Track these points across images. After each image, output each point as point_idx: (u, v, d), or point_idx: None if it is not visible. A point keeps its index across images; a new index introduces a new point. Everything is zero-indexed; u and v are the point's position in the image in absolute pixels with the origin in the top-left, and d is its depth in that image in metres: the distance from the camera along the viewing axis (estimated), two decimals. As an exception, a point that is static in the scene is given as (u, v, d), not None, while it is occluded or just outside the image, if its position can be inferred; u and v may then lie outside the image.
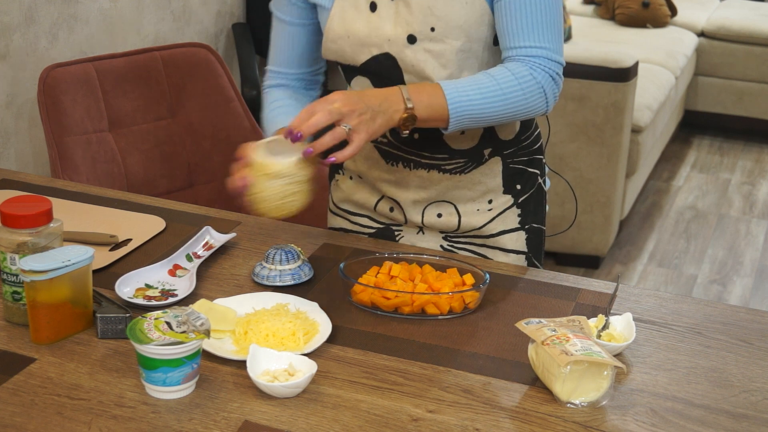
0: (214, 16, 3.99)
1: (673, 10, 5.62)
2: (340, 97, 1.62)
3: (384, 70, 1.77)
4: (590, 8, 5.81)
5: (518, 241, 1.92)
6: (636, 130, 4.16)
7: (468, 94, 1.68)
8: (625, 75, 3.79)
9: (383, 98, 1.65)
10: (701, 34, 5.64)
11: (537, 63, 1.72)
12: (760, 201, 4.86)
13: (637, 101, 4.16)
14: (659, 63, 4.90)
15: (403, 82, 1.76)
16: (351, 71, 1.84)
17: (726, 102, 5.64)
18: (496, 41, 1.76)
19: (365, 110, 1.62)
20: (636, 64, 3.87)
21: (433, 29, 1.72)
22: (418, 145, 1.83)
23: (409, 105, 1.66)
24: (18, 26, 2.92)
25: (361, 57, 1.78)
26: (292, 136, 1.61)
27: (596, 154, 3.88)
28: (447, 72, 1.74)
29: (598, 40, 5.12)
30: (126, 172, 2.76)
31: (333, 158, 1.63)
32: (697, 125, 5.76)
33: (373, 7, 1.76)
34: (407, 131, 1.68)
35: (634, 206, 4.63)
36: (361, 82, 1.84)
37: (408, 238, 1.94)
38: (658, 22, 5.55)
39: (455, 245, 1.92)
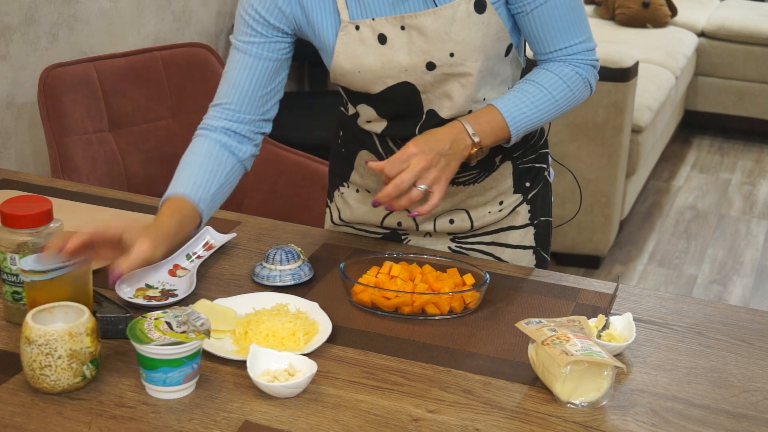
0: (214, 16, 3.99)
1: (673, 10, 5.62)
2: (415, 152, 1.62)
3: (400, 97, 1.73)
4: (590, 8, 5.81)
5: (527, 236, 1.92)
6: (636, 130, 4.15)
7: (523, 110, 1.70)
8: (625, 75, 3.79)
9: (451, 140, 1.65)
10: (701, 34, 5.64)
11: (578, 59, 1.74)
12: (761, 201, 4.86)
13: (637, 101, 4.16)
14: (659, 63, 4.90)
15: (421, 103, 1.74)
16: (359, 98, 1.78)
17: (726, 102, 5.64)
18: (507, 52, 1.74)
19: (439, 160, 1.63)
20: (636, 64, 3.87)
21: (452, 54, 1.68)
22: None
23: (476, 139, 1.67)
24: (18, 26, 2.92)
25: (375, 88, 1.72)
26: (374, 204, 1.65)
27: (596, 154, 3.88)
28: (467, 92, 1.71)
29: (599, 40, 5.04)
30: (126, 172, 2.76)
31: (416, 213, 1.65)
32: (697, 125, 5.76)
33: (382, 40, 1.68)
34: (474, 162, 1.71)
35: (634, 206, 4.63)
36: (366, 111, 1.79)
37: (415, 241, 1.92)
38: (658, 22, 5.55)
39: (463, 246, 1.91)
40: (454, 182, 1.83)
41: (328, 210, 2.01)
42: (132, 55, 2.87)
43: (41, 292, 1.48)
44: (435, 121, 1.75)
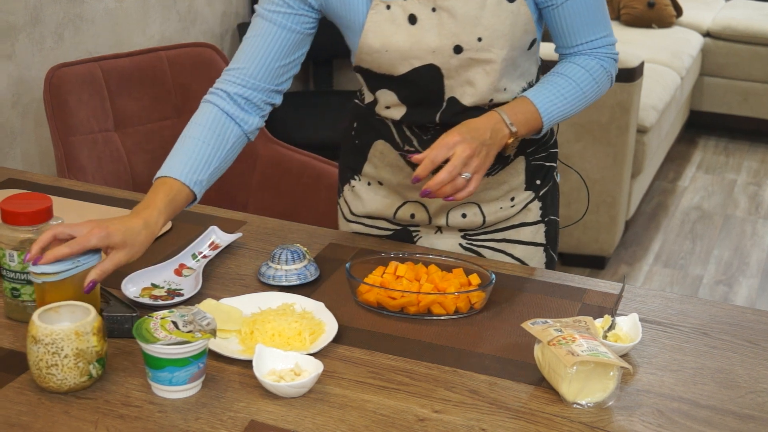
0: (220, 16, 3.99)
1: (679, 11, 5.61)
2: (459, 140, 1.64)
3: (424, 81, 1.73)
4: (596, 8, 5.80)
5: (538, 233, 1.93)
6: (641, 131, 4.15)
7: (554, 101, 1.74)
8: (630, 75, 3.78)
9: (491, 129, 1.68)
10: (707, 34, 5.63)
11: (602, 53, 1.80)
12: (766, 201, 4.86)
13: (643, 101, 4.16)
14: (665, 63, 4.90)
15: (443, 89, 1.74)
16: (381, 81, 1.77)
17: (731, 102, 5.64)
18: (531, 46, 1.76)
19: (481, 149, 1.66)
20: (641, 65, 3.86)
21: (480, 39, 1.70)
22: None
23: (513, 129, 1.70)
24: (24, 26, 2.93)
25: (401, 69, 1.73)
26: (423, 193, 1.66)
27: (602, 154, 3.88)
28: (490, 79, 1.73)
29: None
30: (132, 172, 2.77)
31: (452, 198, 1.66)
32: (702, 125, 5.75)
33: (412, 20, 1.70)
34: (510, 152, 1.76)
35: (639, 206, 4.62)
36: (386, 96, 1.79)
37: (426, 238, 1.92)
38: (664, 23, 5.54)
39: (474, 243, 1.92)
40: None
41: (339, 208, 2.01)
42: (137, 54, 2.87)
43: (50, 293, 1.48)
44: (456, 108, 1.76)
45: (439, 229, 1.91)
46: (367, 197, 1.93)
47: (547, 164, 1.93)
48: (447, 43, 1.70)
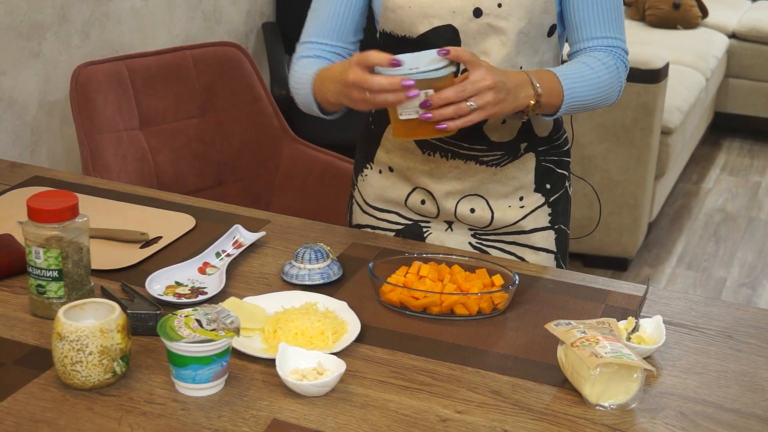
0: (245, 15, 4.00)
1: (704, 12, 5.58)
2: (485, 75, 1.61)
3: (441, 43, 1.74)
4: (620, 9, 5.78)
5: (548, 239, 1.92)
6: (666, 132, 4.13)
7: (577, 82, 1.74)
8: (655, 76, 3.77)
9: (518, 82, 1.67)
10: (732, 35, 5.60)
11: (617, 53, 1.80)
12: (791, 204, 4.83)
13: (667, 103, 4.14)
14: (689, 64, 4.87)
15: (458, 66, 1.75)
16: (398, 47, 1.76)
17: (757, 104, 5.60)
18: (550, 32, 1.79)
19: (501, 90, 1.63)
20: (666, 66, 3.85)
21: (500, 5, 1.74)
22: (457, 135, 1.80)
23: (540, 91, 1.69)
24: (51, 25, 2.94)
25: (420, 28, 1.77)
26: (424, 104, 1.61)
27: (625, 155, 3.86)
28: (505, 50, 1.76)
29: (629, 41, 5.05)
30: (156, 170, 2.78)
31: (444, 126, 1.62)
32: (727, 127, 5.72)
33: None
34: (526, 117, 1.73)
35: (663, 208, 4.60)
36: None
37: (436, 235, 1.93)
38: (689, 24, 5.51)
39: (484, 243, 1.92)
40: (476, 160, 1.86)
41: (352, 200, 2.03)
42: (163, 53, 2.88)
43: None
44: None
45: (450, 226, 1.91)
46: (378, 185, 1.95)
47: (558, 170, 1.92)
48: (468, 4, 1.74)
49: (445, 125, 1.62)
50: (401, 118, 1.64)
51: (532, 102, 1.69)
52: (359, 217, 2.01)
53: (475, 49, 1.76)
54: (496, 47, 1.76)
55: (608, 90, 1.78)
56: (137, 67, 2.80)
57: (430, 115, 1.61)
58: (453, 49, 1.61)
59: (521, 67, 1.78)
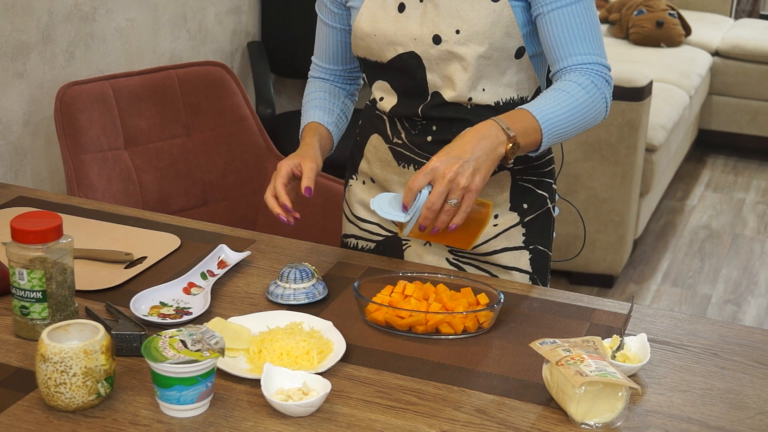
0: (230, 34, 4.01)
1: (688, 30, 5.61)
2: (437, 165, 1.63)
3: (409, 68, 1.81)
4: (604, 27, 5.82)
5: (521, 259, 1.92)
6: (650, 149, 4.14)
7: (553, 113, 1.71)
8: (639, 94, 3.78)
9: (479, 139, 1.65)
10: (715, 53, 5.63)
11: (594, 70, 1.76)
12: (775, 221, 4.85)
13: (652, 120, 4.16)
14: (673, 82, 4.90)
15: (426, 81, 1.82)
16: (375, 71, 1.88)
17: (740, 121, 5.63)
18: (518, 54, 1.79)
19: (465, 167, 1.62)
20: (650, 84, 3.86)
21: (458, 32, 1.76)
22: (431, 148, 1.84)
23: (511, 133, 1.67)
24: (35, 45, 2.94)
25: (388, 54, 1.83)
26: (421, 228, 1.67)
27: (610, 173, 3.87)
28: (467, 75, 1.78)
29: (612, 60, 5.05)
30: (141, 190, 2.77)
31: (454, 226, 1.65)
32: (711, 144, 5.75)
33: (401, 8, 1.81)
34: (512, 162, 1.71)
35: (647, 225, 4.62)
36: (381, 86, 1.89)
37: (415, 249, 1.94)
38: (673, 42, 5.55)
39: (460, 259, 1.93)
40: None
41: (342, 210, 2.07)
42: (147, 73, 2.88)
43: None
44: (438, 101, 1.82)
45: (428, 241, 1.92)
46: (361, 195, 1.99)
47: (538, 191, 1.92)
48: (427, 31, 1.78)
49: (454, 226, 1.65)
50: (405, 236, 1.73)
51: (509, 146, 1.66)
52: (346, 227, 2.05)
53: (439, 73, 1.80)
54: (458, 72, 1.78)
55: (591, 110, 1.75)
56: (122, 87, 2.80)
57: (425, 227, 1.65)
58: (405, 197, 1.65)
59: (484, 90, 1.79)
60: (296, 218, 1.78)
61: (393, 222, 1.80)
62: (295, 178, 1.80)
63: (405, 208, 1.66)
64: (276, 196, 1.77)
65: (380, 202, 1.71)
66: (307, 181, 1.77)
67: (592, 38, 1.77)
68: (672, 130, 4.46)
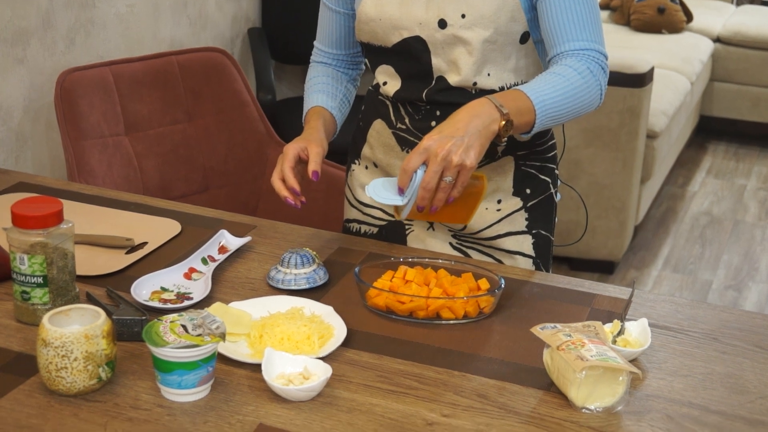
0: (230, 20, 4.00)
1: (689, 16, 5.60)
2: (430, 144, 1.62)
3: (414, 52, 1.81)
4: (605, 14, 5.80)
5: (524, 244, 1.92)
6: (651, 136, 4.14)
7: (548, 94, 1.70)
8: (640, 80, 3.78)
9: (471, 117, 1.65)
10: (717, 39, 5.62)
11: (591, 57, 1.76)
12: (776, 207, 4.84)
13: (653, 107, 4.15)
14: (675, 68, 4.89)
15: (431, 65, 1.82)
16: (379, 55, 1.88)
17: (741, 108, 5.62)
18: (523, 39, 1.79)
19: (458, 144, 1.62)
20: (651, 70, 3.85)
21: (463, 16, 1.76)
22: None
23: (504, 111, 1.66)
24: (35, 31, 2.93)
25: (392, 39, 1.83)
26: (419, 209, 1.67)
27: (611, 159, 3.87)
28: (473, 59, 1.78)
29: (614, 46, 5.08)
30: (142, 176, 2.77)
31: (451, 199, 1.65)
32: (712, 131, 5.74)
33: None
34: (505, 140, 1.69)
35: (648, 212, 4.61)
36: (385, 70, 1.89)
37: (418, 233, 1.94)
38: (674, 28, 5.53)
39: (464, 244, 1.93)
40: None
41: (345, 195, 2.07)
42: (148, 59, 2.87)
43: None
44: (443, 85, 1.82)
45: (431, 225, 1.93)
46: (363, 181, 1.99)
47: (541, 177, 1.93)
48: (432, 15, 1.78)
49: (452, 199, 1.65)
50: (403, 219, 1.72)
51: (502, 123, 1.66)
52: (348, 212, 2.05)
53: (444, 58, 1.80)
54: (463, 56, 1.78)
55: (585, 96, 1.74)
56: (123, 73, 2.79)
57: (422, 207, 1.66)
58: (400, 179, 1.65)
59: (489, 74, 1.80)
60: (303, 202, 1.77)
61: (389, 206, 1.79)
62: (301, 162, 1.79)
63: (401, 191, 1.66)
64: (283, 179, 1.77)
65: (375, 189, 1.71)
66: (314, 165, 1.76)
67: (591, 25, 1.76)
68: (673, 117, 4.46)
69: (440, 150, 1.61)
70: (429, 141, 1.63)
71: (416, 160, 1.63)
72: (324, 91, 1.96)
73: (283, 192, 1.76)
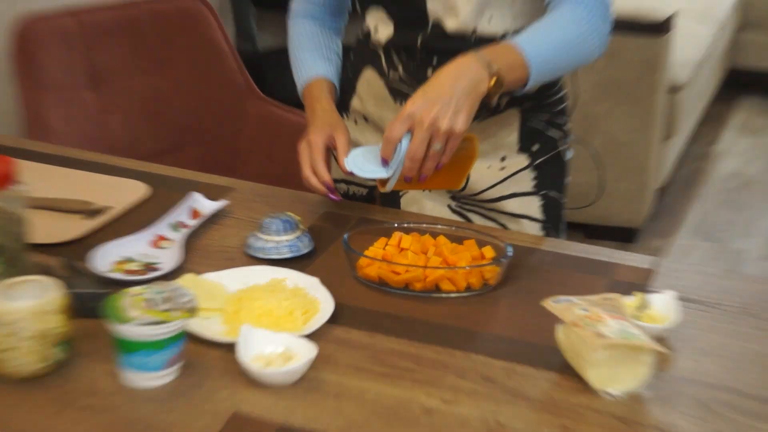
0: (208, -38, 3.96)
1: (716, -43, 5.58)
2: (413, 110, 1.63)
3: None
4: (624, -45, 5.77)
5: (531, 206, 1.92)
6: (673, 90, 4.13)
7: (542, 46, 1.71)
8: (658, 29, 3.78)
9: (456, 76, 1.65)
10: (746, -19, 5.62)
11: (590, 3, 1.74)
12: (813, 167, 4.86)
13: (675, 57, 4.14)
14: (699, 15, 4.87)
15: (425, 9, 1.79)
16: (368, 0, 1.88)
17: (774, 58, 5.64)
18: None
19: (444, 109, 1.62)
20: (671, 17, 3.85)
21: None
22: None
23: (494, 68, 1.66)
24: (-12, -29, 2.89)
25: None
26: (406, 179, 1.69)
27: (629, 115, 3.88)
28: (471, 5, 1.76)
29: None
30: (108, 134, 2.81)
31: (440, 165, 1.67)
32: (743, 84, 5.78)
33: None
34: (496, 99, 1.69)
35: (673, 173, 4.64)
36: (376, 15, 1.88)
37: (413, 194, 1.95)
38: (700, -30, 5.51)
39: (464, 206, 1.93)
40: None
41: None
42: (118, 9, 2.88)
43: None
44: (438, 32, 1.80)
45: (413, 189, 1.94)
46: (353, 137, 1.96)
47: (548, 133, 1.92)
48: None
49: (439, 164, 1.67)
50: (388, 190, 1.74)
51: (492, 83, 1.66)
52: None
53: (443, 2, 1.78)
54: (461, 0, 1.77)
55: (583, 44, 1.74)
56: (87, 21, 2.82)
57: (410, 178, 1.68)
58: (383, 150, 1.67)
59: (491, 17, 1.78)
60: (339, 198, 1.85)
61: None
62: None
63: (384, 162, 1.67)
64: (316, 173, 1.79)
65: (356, 161, 1.74)
66: (343, 160, 1.77)
67: None
68: (697, 68, 4.46)
69: (426, 116, 1.62)
70: (413, 107, 1.63)
71: (400, 129, 1.64)
72: (322, 56, 1.96)
73: (321, 189, 1.79)
